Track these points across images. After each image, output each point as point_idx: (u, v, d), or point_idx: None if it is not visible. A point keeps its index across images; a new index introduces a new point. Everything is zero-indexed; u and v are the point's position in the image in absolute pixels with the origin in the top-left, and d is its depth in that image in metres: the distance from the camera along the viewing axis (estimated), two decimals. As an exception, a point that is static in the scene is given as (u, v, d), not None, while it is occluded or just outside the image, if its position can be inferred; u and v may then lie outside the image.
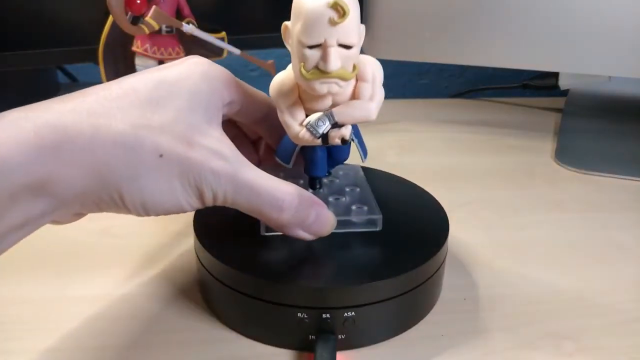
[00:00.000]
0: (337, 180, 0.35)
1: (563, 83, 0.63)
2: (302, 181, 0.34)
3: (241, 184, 0.26)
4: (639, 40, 0.47)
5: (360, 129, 0.31)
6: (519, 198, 0.46)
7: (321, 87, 0.26)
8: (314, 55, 0.25)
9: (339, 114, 0.27)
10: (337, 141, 0.27)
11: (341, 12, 0.24)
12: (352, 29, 0.25)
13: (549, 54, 0.51)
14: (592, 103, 0.65)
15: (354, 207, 0.32)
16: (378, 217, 0.31)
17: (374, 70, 0.27)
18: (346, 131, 0.27)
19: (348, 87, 0.27)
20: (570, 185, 0.48)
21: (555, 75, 0.63)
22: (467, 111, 0.67)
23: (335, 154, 0.32)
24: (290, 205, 0.27)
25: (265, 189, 0.27)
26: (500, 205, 0.45)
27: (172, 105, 0.25)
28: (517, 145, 0.57)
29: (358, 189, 0.34)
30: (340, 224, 0.31)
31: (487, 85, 0.74)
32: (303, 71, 0.25)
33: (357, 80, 0.27)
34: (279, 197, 0.27)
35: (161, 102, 0.25)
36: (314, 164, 0.31)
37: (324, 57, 0.25)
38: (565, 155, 0.53)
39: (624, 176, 0.49)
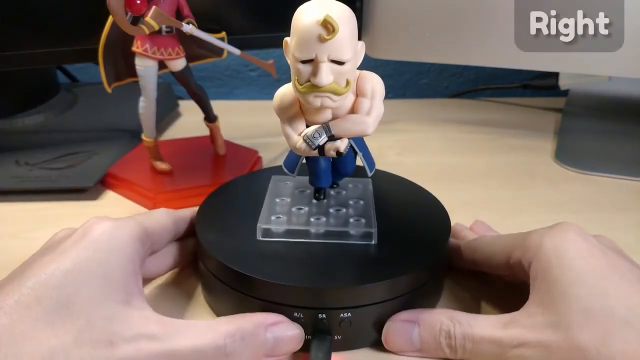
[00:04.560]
0: (344, 192, 0.35)
1: (563, 83, 0.63)
2: (308, 191, 0.34)
3: (180, 356, 0.24)
4: (639, 40, 0.47)
5: (366, 141, 0.31)
6: (519, 198, 0.46)
7: (315, 100, 0.26)
8: (306, 69, 0.26)
9: (335, 126, 0.28)
10: (332, 153, 0.28)
11: (330, 30, 0.24)
12: (344, 45, 0.25)
13: (549, 54, 0.51)
14: (592, 103, 0.65)
15: (351, 220, 0.32)
16: (373, 230, 0.31)
17: (373, 85, 0.28)
18: (341, 144, 0.28)
19: (347, 101, 0.28)
20: (570, 185, 0.48)
21: (555, 75, 0.63)
22: (467, 111, 0.67)
23: (339, 166, 0.32)
24: (234, 346, 0.25)
25: (204, 343, 0.25)
26: (500, 205, 0.45)
27: (82, 303, 0.24)
28: (517, 145, 0.56)
29: (362, 202, 0.34)
30: (337, 234, 0.31)
31: (487, 85, 0.74)
32: (297, 84, 0.26)
33: (357, 95, 0.28)
34: (219, 345, 0.25)
35: (70, 305, 0.23)
36: (317, 176, 0.32)
37: (315, 72, 0.25)
38: (565, 155, 0.53)
39: (624, 176, 0.49)
